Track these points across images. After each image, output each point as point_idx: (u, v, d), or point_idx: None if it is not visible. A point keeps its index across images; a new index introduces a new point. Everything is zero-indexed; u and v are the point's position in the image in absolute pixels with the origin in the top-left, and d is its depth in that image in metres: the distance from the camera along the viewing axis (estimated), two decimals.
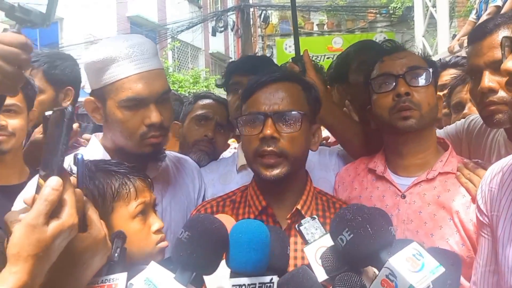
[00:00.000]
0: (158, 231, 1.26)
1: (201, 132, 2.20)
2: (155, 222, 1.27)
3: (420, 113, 1.51)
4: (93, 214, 0.97)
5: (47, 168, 0.86)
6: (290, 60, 1.75)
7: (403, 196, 1.55)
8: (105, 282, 1.01)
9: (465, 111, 2.23)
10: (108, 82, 1.45)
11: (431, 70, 1.56)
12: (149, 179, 1.32)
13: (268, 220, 1.42)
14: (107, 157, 1.52)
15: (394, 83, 1.54)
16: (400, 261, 0.92)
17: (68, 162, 1.05)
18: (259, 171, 1.37)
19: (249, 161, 1.42)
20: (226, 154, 2.42)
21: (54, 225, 0.82)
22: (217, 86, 2.25)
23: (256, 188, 1.46)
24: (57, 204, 0.83)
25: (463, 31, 7.44)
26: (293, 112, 1.37)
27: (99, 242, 0.94)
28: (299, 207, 1.40)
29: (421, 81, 1.55)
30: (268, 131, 1.33)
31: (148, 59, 1.48)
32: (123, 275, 1.02)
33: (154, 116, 1.45)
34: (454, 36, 10.39)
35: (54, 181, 0.83)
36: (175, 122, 2.26)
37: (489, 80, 1.44)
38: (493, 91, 1.45)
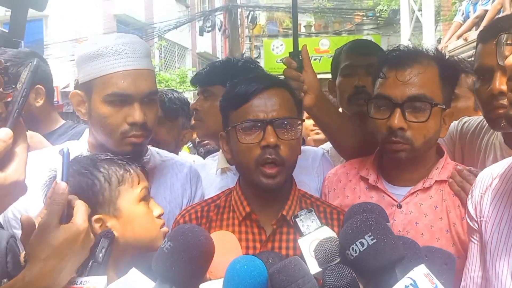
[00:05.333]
0: (159, 217, 1.30)
1: None
2: (155, 208, 1.31)
3: (412, 147, 1.44)
4: (80, 206, 0.98)
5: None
6: (289, 55, 1.69)
7: (399, 206, 1.51)
8: (83, 284, 0.99)
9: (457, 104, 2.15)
10: (95, 76, 1.45)
11: (435, 104, 1.43)
12: (145, 168, 1.35)
13: (252, 225, 1.41)
14: (85, 151, 1.50)
15: (389, 112, 1.44)
16: (421, 275, 0.93)
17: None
18: (260, 180, 1.36)
19: (249, 171, 1.38)
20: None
21: None
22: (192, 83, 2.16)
23: (240, 193, 1.45)
24: (4, 157, 0.78)
25: (450, 32, 7.54)
26: (292, 119, 1.38)
27: (81, 233, 0.95)
28: (284, 213, 1.40)
29: (420, 116, 1.43)
30: (272, 139, 1.33)
31: (138, 58, 1.47)
32: (103, 279, 1.00)
33: (137, 115, 1.43)
34: (440, 39, 10.53)
35: (3, 132, 0.78)
36: None
37: (500, 82, 1.39)
38: (503, 94, 1.39)
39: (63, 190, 0.94)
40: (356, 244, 0.96)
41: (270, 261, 1.09)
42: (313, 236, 1.14)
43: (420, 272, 0.93)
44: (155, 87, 1.53)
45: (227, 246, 1.19)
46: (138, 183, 1.28)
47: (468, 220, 1.26)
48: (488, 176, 1.21)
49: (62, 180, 0.96)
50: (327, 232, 1.14)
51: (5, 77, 0.81)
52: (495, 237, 1.12)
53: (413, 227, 1.47)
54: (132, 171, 1.29)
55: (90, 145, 1.56)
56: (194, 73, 1.96)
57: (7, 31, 0.83)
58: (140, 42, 1.52)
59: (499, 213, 1.13)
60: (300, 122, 1.41)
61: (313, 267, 1.07)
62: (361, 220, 1.00)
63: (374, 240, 0.95)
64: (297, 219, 1.19)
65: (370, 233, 0.96)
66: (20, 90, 0.81)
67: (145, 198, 1.29)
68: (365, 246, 0.95)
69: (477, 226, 1.21)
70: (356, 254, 0.96)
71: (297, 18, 1.78)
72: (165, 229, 1.29)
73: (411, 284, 0.91)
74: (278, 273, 1.01)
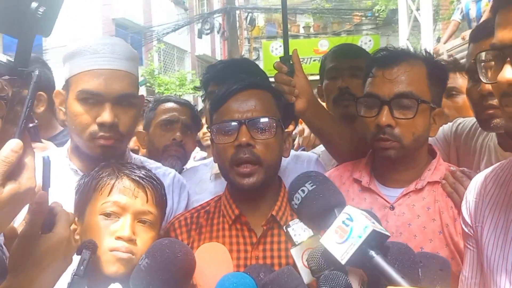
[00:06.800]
0: (120, 239, 1.19)
1: (169, 137, 2.22)
2: (123, 229, 1.20)
3: (401, 145, 1.45)
4: (62, 214, 0.97)
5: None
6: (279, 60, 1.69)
7: (392, 208, 1.50)
8: None
9: (458, 99, 2.17)
10: (73, 73, 1.45)
11: (422, 100, 1.43)
12: (149, 188, 1.29)
13: (243, 228, 1.41)
14: (63, 157, 1.53)
15: (377, 110, 1.46)
16: (356, 210, 0.99)
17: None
18: (235, 180, 1.36)
19: (225, 170, 1.40)
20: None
21: (10, 187, 0.80)
22: (195, 88, 2.22)
23: (229, 197, 1.45)
24: (16, 167, 0.82)
25: (448, 31, 7.50)
26: (267, 119, 1.38)
27: (63, 241, 0.94)
28: (274, 213, 1.40)
29: (408, 113, 1.44)
30: (244, 138, 1.33)
31: (117, 59, 1.45)
32: None
33: (106, 115, 1.40)
34: (439, 38, 10.52)
35: (14, 143, 0.81)
36: (139, 130, 2.29)
37: None
38: (492, 94, 1.36)
39: (42, 200, 0.92)
40: (298, 192, 1.06)
41: (261, 276, 1.08)
42: (305, 245, 1.13)
43: (354, 209, 0.99)
44: (132, 90, 1.49)
45: (217, 259, 1.17)
46: (108, 195, 1.22)
47: (463, 226, 1.24)
48: (481, 181, 1.20)
49: (42, 189, 0.94)
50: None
51: None
52: (491, 242, 1.11)
53: (406, 229, 1.47)
54: (112, 181, 1.24)
55: (69, 151, 1.55)
56: (209, 70, 1.97)
57: (12, 59, 0.83)
58: (123, 45, 1.50)
59: (494, 218, 1.12)
60: (277, 121, 1.39)
61: (306, 277, 1.06)
62: (304, 174, 1.12)
63: (314, 186, 1.05)
64: (288, 229, 1.18)
65: (310, 181, 1.07)
66: (26, 101, 0.83)
67: (115, 213, 1.22)
68: (306, 192, 1.05)
69: (472, 232, 1.19)
70: (299, 201, 1.05)
71: (287, 24, 1.78)
72: (117, 253, 1.18)
73: (347, 218, 0.97)
74: (271, 284, 1.01)
